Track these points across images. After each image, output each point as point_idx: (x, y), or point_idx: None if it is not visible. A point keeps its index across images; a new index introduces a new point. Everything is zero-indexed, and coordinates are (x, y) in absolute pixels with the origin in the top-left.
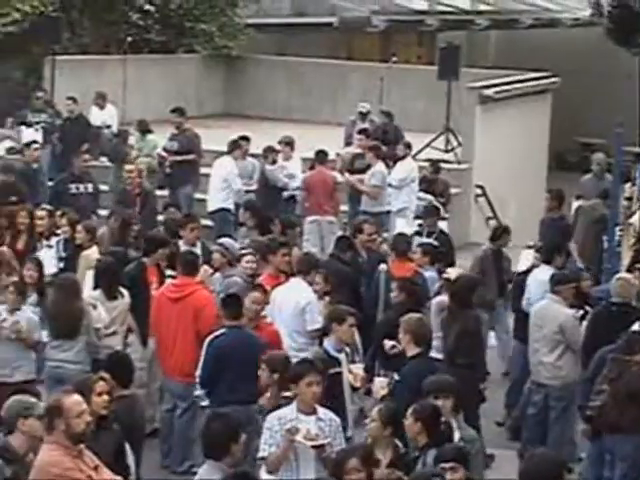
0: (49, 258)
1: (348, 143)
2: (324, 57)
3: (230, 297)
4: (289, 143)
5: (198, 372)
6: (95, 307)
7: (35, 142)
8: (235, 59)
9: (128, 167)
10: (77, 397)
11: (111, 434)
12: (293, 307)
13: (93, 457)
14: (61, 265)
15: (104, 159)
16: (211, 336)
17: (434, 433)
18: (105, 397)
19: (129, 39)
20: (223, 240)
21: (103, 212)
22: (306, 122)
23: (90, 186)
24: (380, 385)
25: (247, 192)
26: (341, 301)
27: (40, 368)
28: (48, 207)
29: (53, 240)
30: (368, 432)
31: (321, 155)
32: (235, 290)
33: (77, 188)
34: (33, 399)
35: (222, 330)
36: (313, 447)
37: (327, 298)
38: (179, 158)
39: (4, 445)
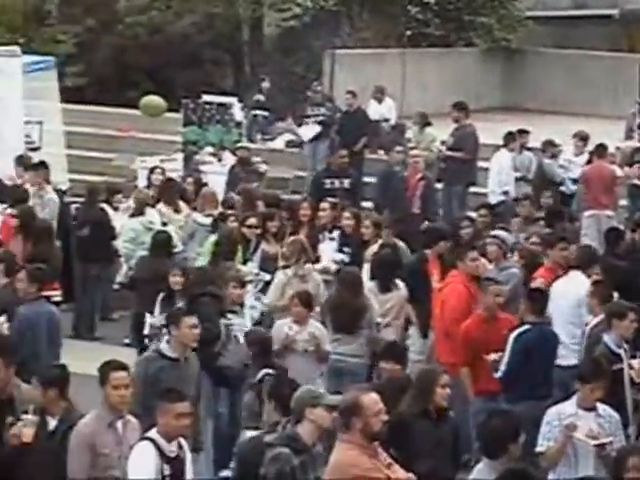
0: (330, 251)
1: (629, 137)
2: (604, 50)
3: (536, 291)
4: (584, 138)
5: (502, 367)
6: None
7: None
8: (514, 52)
9: (414, 152)
10: (374, 395)
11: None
12: (572, 299)
13: (386, 455)
14: (344, 258)
15: (381, 152)
16: (517, 331)
17: None
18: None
19: (408, 33)
20: (498, 232)
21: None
22: (585, 115)
23: (347, 182)
24: None
25: (525, 182)
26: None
27: None
28: (331, 200)
29: (335, 233)
30: None
31: (600, 149)
32: (515, 282)
33: (332, 183)
34: (321, 389)
35: (526, 326)
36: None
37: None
38: (451, 154)
39: (293, 435)
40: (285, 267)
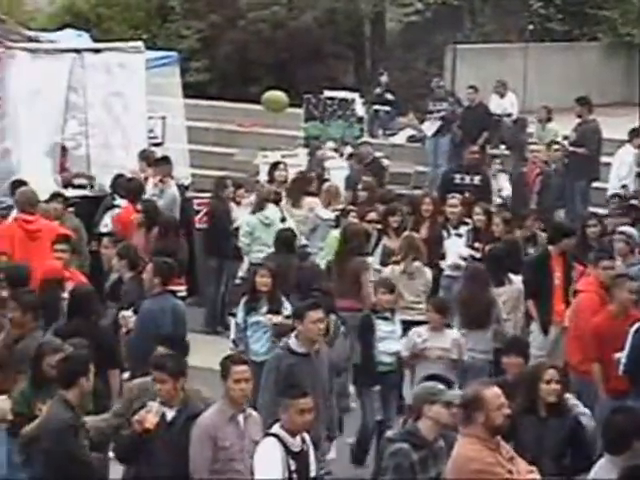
0: (456, 247)
1: None
2: None
3: None
4: None
5: (623, 360)
6: None
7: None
8: (637, 47)
9: (534, 147)
10: (496, 390)
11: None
12: None
13: (509, 449)
14: (474, 254)
15: (502, 147)
16: (636, 326)
17: None
18: (555, 386)
19: (530, 27)
20: (625, 229)
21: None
22: None
23: (477, 178)
24: None
25: None
26: None
27: None
28: (458, 196)
29: (462, 229)
30: None
31: None
32: None
33: (462, 179)
34: (441, 386)
35: None
36: None
37: None
38: (574, 149)
39: (412, 430)
40: (396, 263)
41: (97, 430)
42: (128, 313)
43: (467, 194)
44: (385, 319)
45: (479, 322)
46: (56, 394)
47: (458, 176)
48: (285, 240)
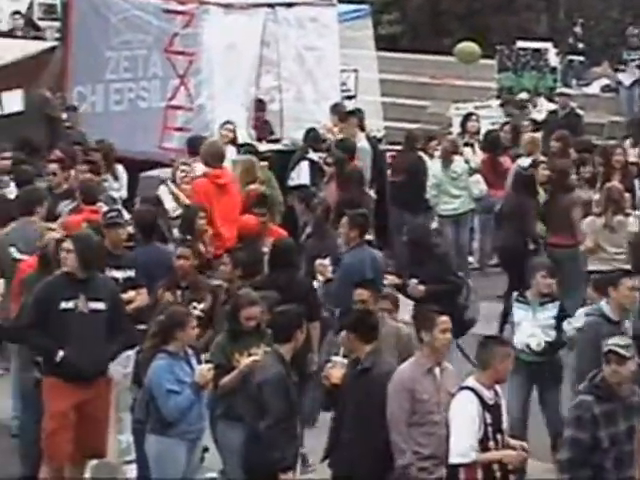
0: None
1: None
2: None
3: None
4: None
5: None
6: None
7: None
8: None
9: None
10: None
11: None
12: None
13: None
14: None
15: None
16: None
17: None
18: None
19: None
20: None
21: None
22: None
23: None
24: None
25: None
26: None
27: None
28: None
29: None
30: None
31: None
32: None
33: None
34: None
35: None
36: None
37: None
38: None
39: (598, 383)
40: (598, 215)
41: None
42: (326, 262)
43: None
44: (525, 304)
45: None
46: (270, 347)
47: None
48: None
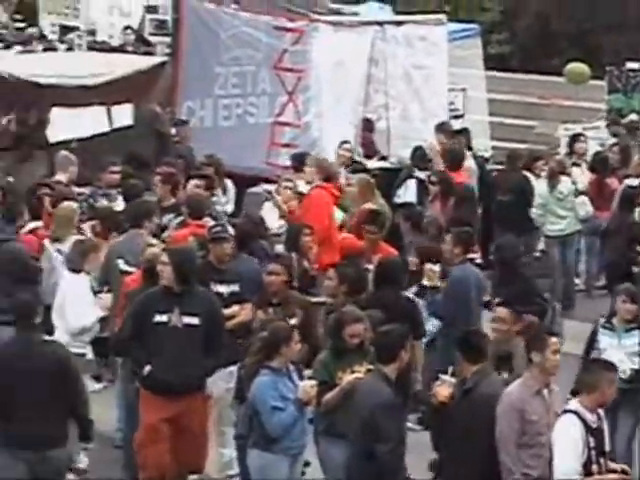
0: None
1: None
2: None
3: None
4: None
5: None
6: None
7: None
8: None
9: None
10: None
11: None
12: None
13: None
14: None
15: None
16: None
17: None
18: None
19: None
20: None
21: None
22: None
23: None
24: None
25: None
26: None
27: None
28: None
29: None
30: None
31: None
32: None
33: None
34: None
35: None
36: None
37: None
38: None
39: None
40: None
41: None
42: (436, 267)
43: None
44: (611, 330)
45: None
46: (375, 368)
47: None
48: None
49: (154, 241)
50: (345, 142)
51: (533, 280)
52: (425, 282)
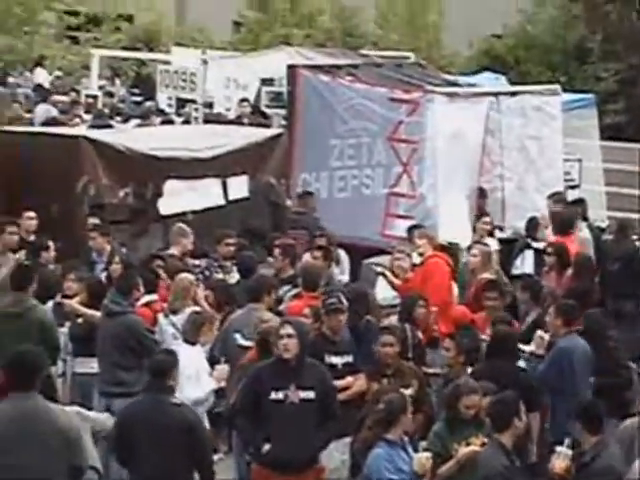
0: None
1: None
2: None
3: None
4: None
5: None
6: None
7: None
8: None
9: None
10: None
11: None
12: None
13: None
14: None
15: None
16: None
17: None
18: None
19: None
20: None
21: None
22: None
23: None
24: None
25: None
26: None
27: None
28: None
29: None
30: None
31: None
32: None
33: None
34: None
35: None
36: None
37: None
38: None
39: None
40: None
41: None
42: (546, 336)
43: None
44: None
45: None
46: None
47: None
48: None
49: (268, 315)
50: (484, 215)
51: (617, 351)
52: (532, 348)
